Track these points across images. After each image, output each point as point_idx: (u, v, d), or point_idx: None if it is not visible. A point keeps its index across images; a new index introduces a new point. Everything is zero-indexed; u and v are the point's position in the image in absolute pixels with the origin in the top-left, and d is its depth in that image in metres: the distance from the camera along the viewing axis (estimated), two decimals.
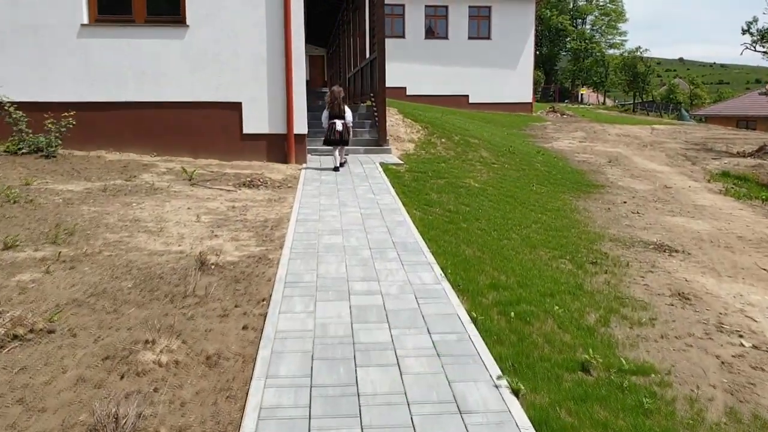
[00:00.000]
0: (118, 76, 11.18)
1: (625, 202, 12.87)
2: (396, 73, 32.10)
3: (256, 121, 11.59)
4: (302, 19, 11.63)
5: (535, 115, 35.73)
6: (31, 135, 10.02)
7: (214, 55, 11.35)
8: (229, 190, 8.84)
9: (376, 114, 14.65)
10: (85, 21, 11.07)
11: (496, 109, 34.19)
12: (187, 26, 11.23)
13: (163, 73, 11.27)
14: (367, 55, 16.32)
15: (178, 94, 11.34)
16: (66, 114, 10.40)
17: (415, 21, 33.71)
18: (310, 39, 37.78)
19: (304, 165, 11.71)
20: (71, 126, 10.44)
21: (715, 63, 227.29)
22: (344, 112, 11.48)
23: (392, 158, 12.88)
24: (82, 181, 8.80)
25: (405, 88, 32.87)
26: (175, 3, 11.38)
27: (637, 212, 11.84)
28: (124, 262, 5.54)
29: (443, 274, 5.61)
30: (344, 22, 25.69)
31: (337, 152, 11.54)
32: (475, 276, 5.91)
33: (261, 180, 9.56)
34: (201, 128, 11.50)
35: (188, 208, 7.61)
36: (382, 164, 11.80)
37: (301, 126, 11.72)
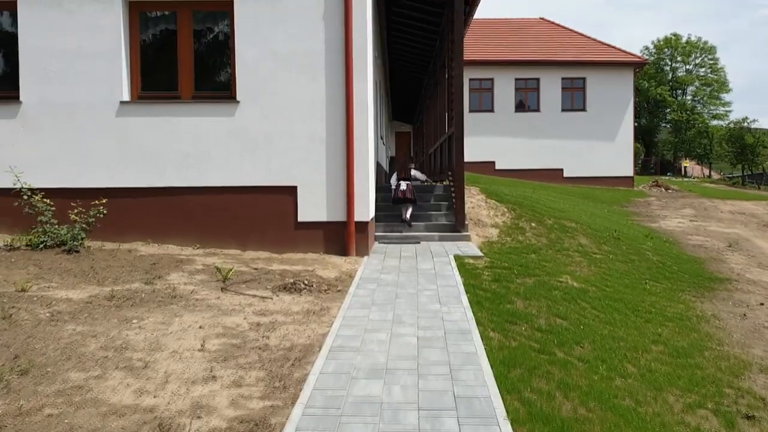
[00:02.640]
0: (159, 158, 10.01)
1: (762, 304, 10.33)
2: (485, 147, 30.67)
3: (313, 207, 10.05)
4: (368, 93, 10.17)
5: (636, 190, 33.04)
6: (55, 227, 8.86)
7: (265, 134, 10.01)
8: (263, 297, 7.18)
9: (453, 195, 12.88)
10: (126, 98, 10.03)
11: (594, 183, 31.85)
12: (237, 102, 9.99)
13: (208, 155, 9.99)
14: (446, 131, 14.74)
15: (225, 177, 10.01)
16: (96, 202, 9.23)
17: (504, 94, 32.33)
18: (397, 115, 37.14)
19: (366, 257, 9.99)
20: (101, 215, 9.25)
21: None
22: (410, 175, 13.29)
23: (470, 248, 10.96)
24: (92, 284, 7.39)
25: (494, 162, 31.30)
26: (225, 77, 10.23)
27: None
28: (63, 431, 3.88)
29: None
30: (427, 97, 24.47)
31: (404, 210, 12.91)
32: None
33: (307, 281, 7.87)
34: (250, 216, 10.07)
35: (199, 327, 5.97)
36: (457, 257, 9.90)
37: (363, 212, 10.08)
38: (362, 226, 10.10)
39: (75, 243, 8.74)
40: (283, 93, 9.99)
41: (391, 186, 13.34)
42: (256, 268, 8.80)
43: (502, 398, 4.42)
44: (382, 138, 19.21)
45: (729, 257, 15.23)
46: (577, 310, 7.89)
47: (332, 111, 9.97)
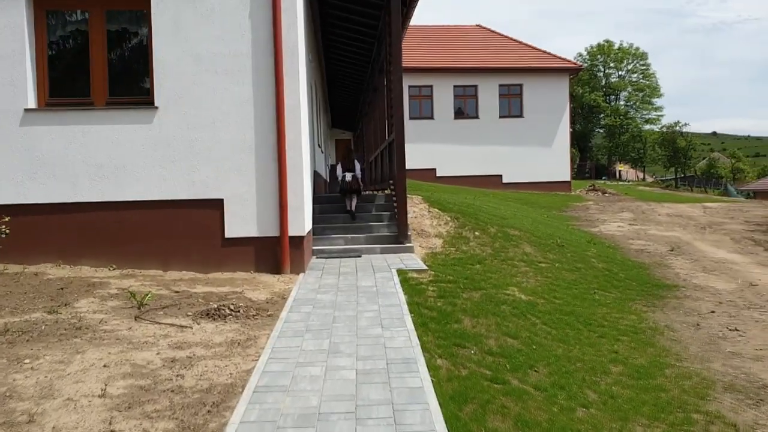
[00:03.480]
0: (70, 171, 9.03)
1: (713, 312, 10.09)
2: (425, 154, 30.31)
3: (242, 222, 9.25)
4: (301, 97, 9.47)
5: (574, 194, 33.32)
6: None
7: (188, 143, 9.17)
8: (182, 327, 6.36)
9: (395, 204, 12.27)
10: (32, 105, 9.03)
11: (532, 188, 31.97)
12: (156, 108, 9.12)
13: (124, 166, 9.08)
14: (387, 137, 14.14)
15: (144, 191, 9.11)
16: None
17: (444, 101, 32.14)
18: (337, 122, 36.42)
19: (302, 274, 9.26)
20: (4, 235, 8.24)
21: (749, 135, 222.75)
22: (354, 166, 13.39)
23: (414, 260, 10.36)
24: None
25: (435, 169, 31.06)
26: (142, 81, 9.34)
27: (736, 329, 9.03)
28: None
29: None
30: (366, 103, 23.87)
31: (348, 202, 13.10)
32: None
33: (233, 305, 7.08)
34: (172, 233, 9.20)
35: (104, 366, 5.13)
36: (400, 272, 9.27)
37: (298, 226, 9.35)
38: (297, 241, 9.36)
39: None
40: (207, 98, 9.18)
41: (337, 177, 13.63)
42: (177, 291, 7.95)
43: None
44: (320, 146, 18.48)
45: (673, 262, 15.13)
46: (528, 326, 7.36)
47: (262, 117, 9.22)
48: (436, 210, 14.24)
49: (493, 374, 5.43)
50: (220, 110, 9.18)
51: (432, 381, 4.83)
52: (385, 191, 15.02)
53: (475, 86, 32.45)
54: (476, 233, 12.83)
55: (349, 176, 13.13)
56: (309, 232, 10.58)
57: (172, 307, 7.12)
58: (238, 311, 6.92)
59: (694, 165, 63.88)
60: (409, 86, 30.44)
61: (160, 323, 6.45)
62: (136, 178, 9.10)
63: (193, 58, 9.16)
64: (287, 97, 9.18)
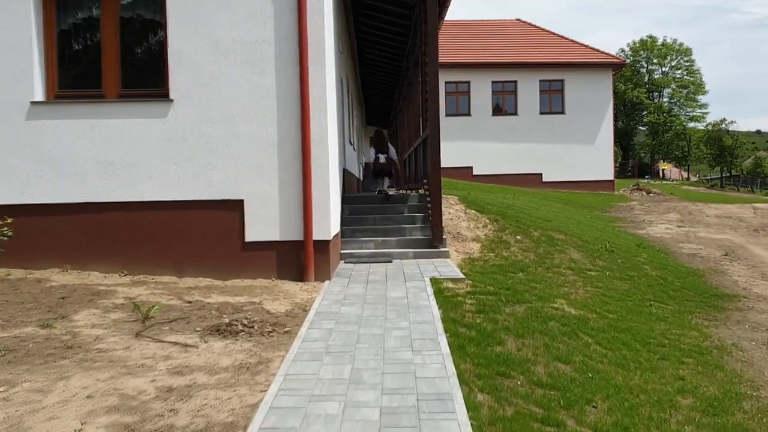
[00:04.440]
0: (79, 169, 8.40)
1: None
2: (462, 152, 29.35)
3: (263, 225, 8.51)
4: (328, 88, 8.69)
5: (618, 194, 32.01)
6: None
7: (205, 138, 8.46)
8: (186, 346, 5.62)
9: (429, 205, 11.42)
10: (39, 98, 8.42)
11: (574, 187, 30.76)
12: (171, 101, 8.43)
13: (136, 164, 8.41)
14: (421, 134, 13.29)
15: (158, 191, 8.43)
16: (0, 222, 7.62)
17: (481, 97, 31.11)
18: (372, 120, 35.62)
19: (327, 282, 8.47)
20: (6, 238, 7.61)
21: None
22: (388, 149, 13.61)
23: (449, 267, 9.49)
24: None
25: (471, 167, 30.11)
26: (157, 71, 8.65)
27: None
28: None
29: None
30: (400, 99, 23.01)
31: (380, 182, 13.42)
32: None
33: (247, 319, 6.33)
34: (188, 236, 8.50)
35: (87, 397, 4.40)
36: (433, 280, 8.42)
37: (323, 229, 8.56)
38: (322, 246, 8.58)
39: None
40: (225, 90, 8.46)
41: (370, 158, 13.74)
42: (189, 302, 7.23)
43: None
44: (351, 143, 17.70)
45: (729, 268, 13.99)
46: (580, 348, 6.44)
47: (285, 110, 8.46)
48: (474, 211, 13.32)
49: (545, 413, 4.54)
50: (240, 103, 8.45)
51: (472, 425, 3.98)
52: (419, 191, 14.18)
53: (515, 82, 31.37)
54: (518, 237, 11.88)
55: (382, 158, 13.32)
56: (337, 235, 9.81)
57: (180, 321, 6.40)
58: (252, 326, 6.16)
59: (741, 164, 61.36)
60: (446, 82, 29.51)
61: (162, 341, 5.72)
62: (149, 176, 8.42)
63: (211, 46, 8.45)
64: (312, 88, 8.41)
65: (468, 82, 31.17)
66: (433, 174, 10.90)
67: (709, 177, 65.56)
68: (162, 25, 8.58)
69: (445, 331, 6.09)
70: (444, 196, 12.09)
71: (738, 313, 9.83)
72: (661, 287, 10.64)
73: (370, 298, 7.50)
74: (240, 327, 6.11)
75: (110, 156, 8.39)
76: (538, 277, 9.56)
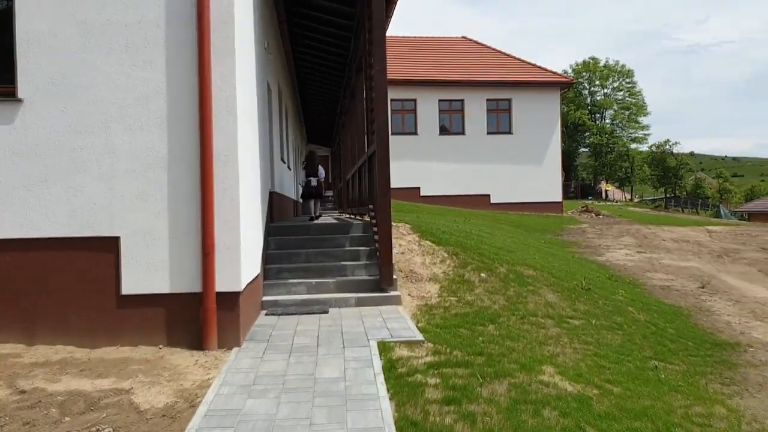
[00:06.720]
0: None
1: None
2: (410, 172, 27.46)
3: (147, 271, 6.18)
4: (240, 86, 6.49)
5: (567, 216, 30.83)
6: None
7: (68, 153, 6.11)
8: None
9: (376, 237, 9.29)
10: None
11: (522, 209, 29.42)
12: (20, 101, 6.07)
13: None
14: (366, 150, 11.17)
15: (1, 225, 6.04)
16: None
17: (428, 116, 29.43)
18: (313, 138, 33.40)
19: (235, 350, 6.18)
20: None
21: (726, 156, 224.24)
22: (318, 172, 13.91)
23: (402, 321, 7.35)
24: None
25: (419, 188, 28.31)
26: (4, 63, 6.28)
27: None
28: None
29: None
30: (342, 113, 20.86)
31: (312, 204, 13.76)
32: None
33: (99, 428, 4.03)
34: (44, 286, 6.11)
35: None
36: (382, 345, 6.24)
37: (231, 277, 6.29)
38: (230, 300, 6.28)
39: None
40: (97, 87, 6.15)
41: (300, 183, 14.07)
42: (23, 391, 4.85)
43: None
44: (286, 161, 15.44)
45: (712, 304, 12.38)
46: None
47: (180, 115, 6.21)
48: (429, 243, 11.22)
49: None
50: (117, 105, 6.16)
51: None
52: (364, 217, 12.03)
53: (462, 100, 29.89)
54: (482, 275, 9.83)
55: (314, 181, 13.69)
56: (255, 279, 7.55)
57: None
58: None
59: (685, 185, 61.80)
60: (392, 99, 27.62)
61: None
62: None
63: (77, 27, 6.15)
64: (216, 85, 6.19)
65: (414, 100, 29.49)
66: (381, 199, 8.78)
67: (652, 198, 65.88)
68: (10, 1, 6.23)
69: None
70: (394, 224, 9.99)
71: (754, 371, 8.02)
72: (656, 338, 8.76)
73: (292, 380, 5.23)
74: None
75: None
76: (514, 332, 7.50)
